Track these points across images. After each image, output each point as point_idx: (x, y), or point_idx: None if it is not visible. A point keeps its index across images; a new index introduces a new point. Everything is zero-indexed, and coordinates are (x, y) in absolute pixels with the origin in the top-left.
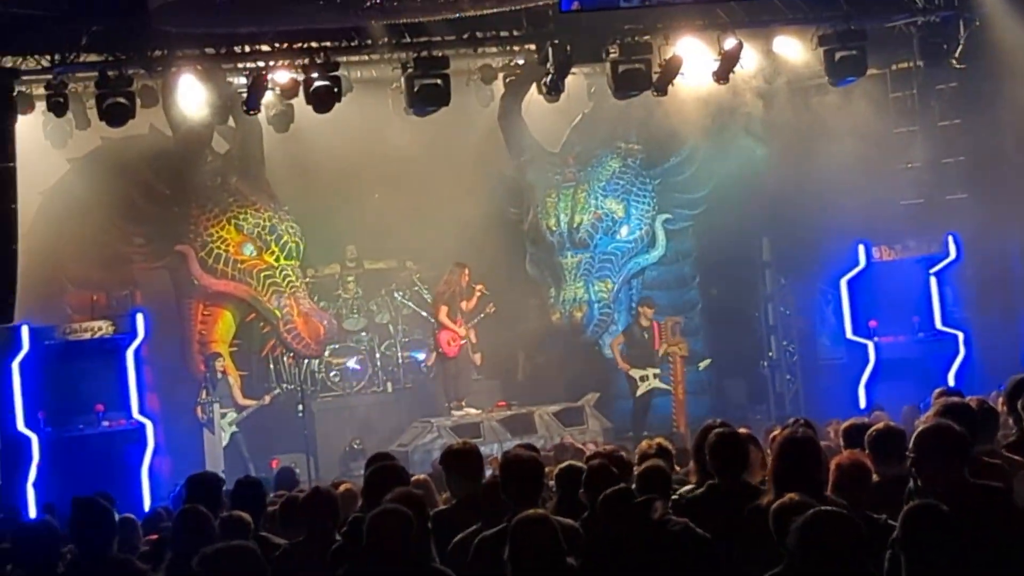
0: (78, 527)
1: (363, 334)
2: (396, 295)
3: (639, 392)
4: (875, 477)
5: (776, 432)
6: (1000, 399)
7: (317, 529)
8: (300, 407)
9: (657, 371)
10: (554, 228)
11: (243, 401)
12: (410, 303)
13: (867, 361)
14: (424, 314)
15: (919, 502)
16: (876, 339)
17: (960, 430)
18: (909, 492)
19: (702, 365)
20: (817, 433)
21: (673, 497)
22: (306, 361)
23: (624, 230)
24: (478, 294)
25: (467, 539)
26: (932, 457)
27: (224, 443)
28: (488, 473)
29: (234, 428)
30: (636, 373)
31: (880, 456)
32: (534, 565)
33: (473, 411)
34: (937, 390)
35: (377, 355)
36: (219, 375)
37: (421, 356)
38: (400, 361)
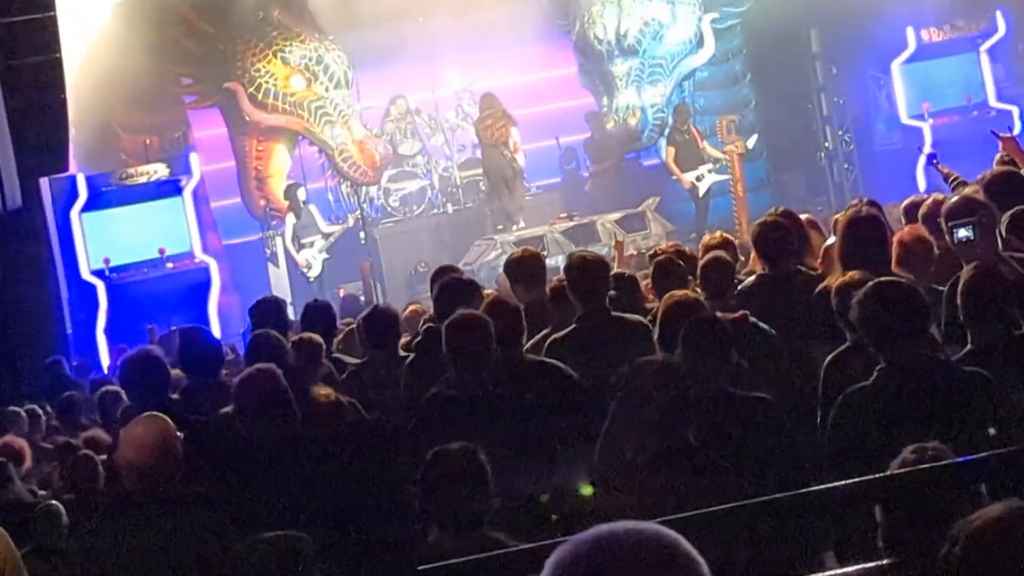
0: (187, 355)
1: (419, 157)
2: (448, 115)
3: (699, 193)
4: (936, 251)
5: (839, 216)
6: None
7: (382, 345)
8: (362, 235)
9: (708, 166)
10: (601, 37)
11: (327, 228)
12: (463, 122)
13: (923, 144)
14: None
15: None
16: (931, 121)
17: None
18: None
19: (751, 142)
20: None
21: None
22: (364, 189)
23: (671, 33)
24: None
25: (538, 344)
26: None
27: (317, 272)
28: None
29: (325, 255)
30: (690, 176)
31: (937, 228)
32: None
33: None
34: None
35: (435, 177)
36: (301, 204)
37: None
38: (458, 182)
